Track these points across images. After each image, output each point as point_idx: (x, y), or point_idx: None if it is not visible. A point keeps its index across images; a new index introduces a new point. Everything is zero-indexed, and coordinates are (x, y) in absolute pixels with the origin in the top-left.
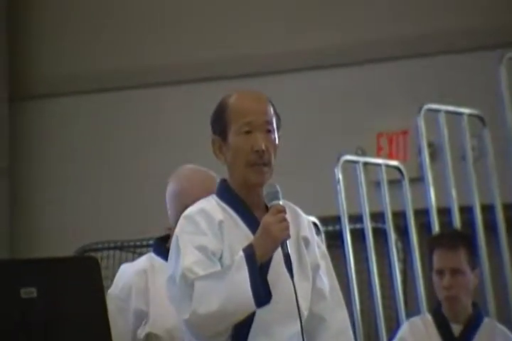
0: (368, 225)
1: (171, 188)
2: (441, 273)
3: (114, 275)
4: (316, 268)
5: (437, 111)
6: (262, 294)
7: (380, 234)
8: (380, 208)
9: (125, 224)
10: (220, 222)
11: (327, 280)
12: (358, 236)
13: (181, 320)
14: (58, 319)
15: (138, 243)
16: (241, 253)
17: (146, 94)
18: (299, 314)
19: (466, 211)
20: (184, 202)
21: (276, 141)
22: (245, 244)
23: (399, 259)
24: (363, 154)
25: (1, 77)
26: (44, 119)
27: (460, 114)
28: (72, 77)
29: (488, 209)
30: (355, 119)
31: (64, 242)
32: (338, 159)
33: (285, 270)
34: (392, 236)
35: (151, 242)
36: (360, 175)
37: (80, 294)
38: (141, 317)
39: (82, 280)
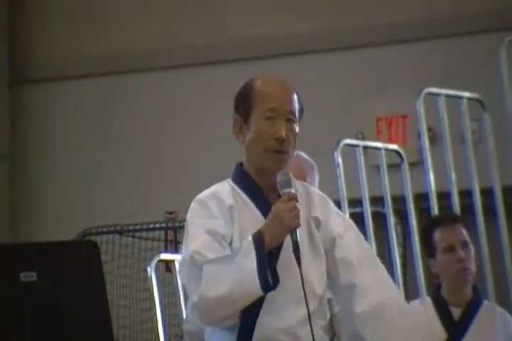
0: (368, 209)
1: None
2: (451, 248)
3: (113, 260)
4: (332, 242)
5: (437, 94)
6: (269, 280)
7: (380, 218)
8: (380, 192)
9: (125, 208)
10: (230, 207)
11: (357, 248)
12: (358, 220)
13: (190, 302)
14: (58, 302)
15: (138, 227)
16: (249, 238)
17: (150, 77)
18: (306, 301)
19: (466, 195)
20: None
21: (297, 130)
22: (257, 227)
23: (398, 243)
24: (363, 138)
25: (1, 60)
26: (45, 103)
27: (460, 97)
28: (74, 60)
29: (487, 193)
30: (355, 103)
31: (64, 226)
32: (338, 143)
33: None
34: (392, 220)
35: (150, 226)
36: (359, 158)
37: (80, 278)
38: None
39: (82, 264)
